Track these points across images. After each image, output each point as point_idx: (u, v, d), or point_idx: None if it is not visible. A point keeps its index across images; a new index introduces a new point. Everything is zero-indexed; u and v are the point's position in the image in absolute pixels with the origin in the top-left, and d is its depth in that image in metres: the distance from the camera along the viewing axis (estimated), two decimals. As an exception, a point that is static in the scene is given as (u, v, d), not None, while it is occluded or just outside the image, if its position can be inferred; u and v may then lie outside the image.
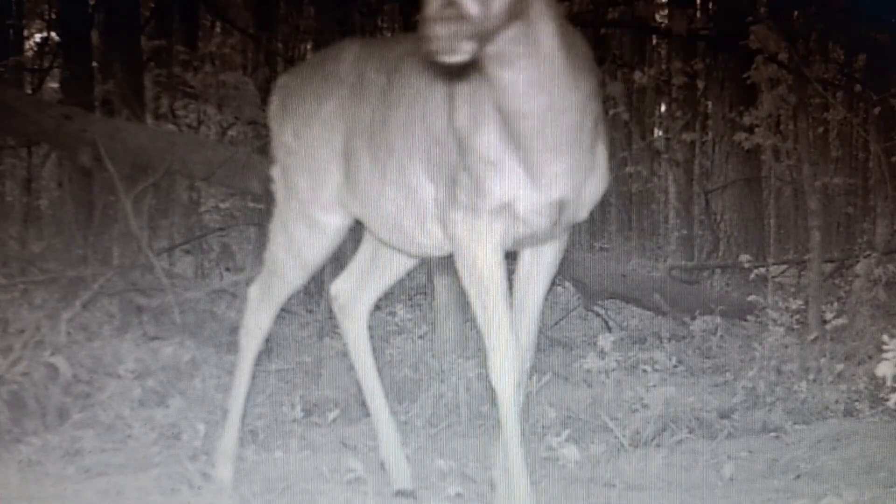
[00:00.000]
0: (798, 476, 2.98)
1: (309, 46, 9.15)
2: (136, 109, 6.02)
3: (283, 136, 2.68)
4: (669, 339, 5.00)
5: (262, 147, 4.96)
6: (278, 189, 2.73)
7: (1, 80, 7.78)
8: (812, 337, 4.33)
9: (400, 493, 2.69)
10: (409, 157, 2.35)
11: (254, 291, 2.79)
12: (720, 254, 7.85)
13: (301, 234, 2.65)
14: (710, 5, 9.15)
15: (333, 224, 2.62)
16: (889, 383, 2.51)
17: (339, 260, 3.05)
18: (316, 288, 5.02)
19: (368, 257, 2.87)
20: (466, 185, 2.18)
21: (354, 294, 2.85)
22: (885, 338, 2.53)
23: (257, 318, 2.77)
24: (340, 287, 2.88)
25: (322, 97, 2.59)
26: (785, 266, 6.94)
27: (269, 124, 2.79)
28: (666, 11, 9.84)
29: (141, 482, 2.77)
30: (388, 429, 2.79)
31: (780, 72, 6.32)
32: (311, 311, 5.02)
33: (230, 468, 2.75)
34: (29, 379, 3.26)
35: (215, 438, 2.84)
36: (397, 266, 2.84)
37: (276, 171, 2.74)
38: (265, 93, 4.73)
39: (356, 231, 2.80)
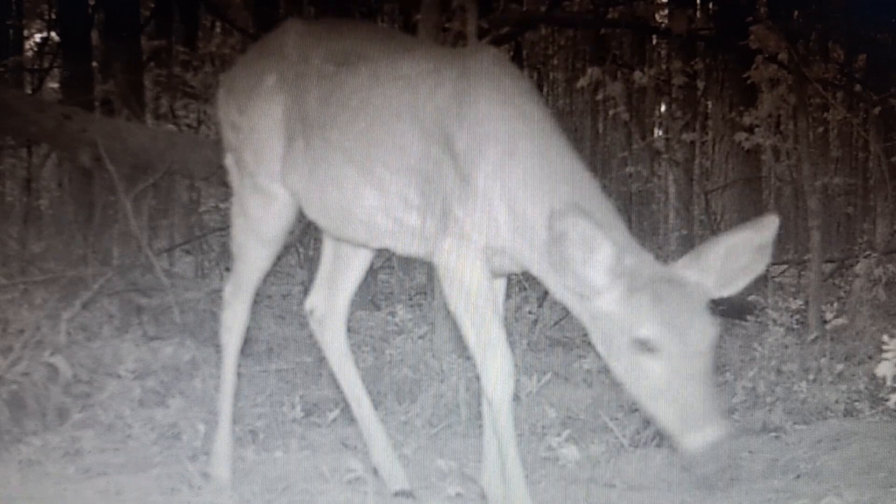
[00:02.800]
0: (798, 476, 2.98)
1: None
2: (136, 109, 6.02)
3: (230, 117, 2.72)
4: (669, 339, 4.98)
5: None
6: (233, 177, 2.76)
7: (1, 80, 7.78)
8: (812, 337, 4.32)
9: (399, 494, 2.69)
10: (362, 170, 2.42)
11: (227, 288, 2.82)
12: (720, 254, 7.82)
13: (256, 209, 2.68)
14: (710, 5, 9.15)
15: (283, 193, 2.63)
16: (889, 383, 2.51)
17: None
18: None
19: (331, 262, 2.90)
20: (459, 217, 2.25)
21: (329, 303, 2.88)
22: (885, 338, 2.53)
23: (233, 312, 2.78)
24: (314, 301, 2.91)
25: (264, 71, 2.64)
26: (785, 266, 6.94)
27: (218, 116, 2.82)
28: (666, 11, 9.84)
29: (141, 482, 2.77)
30: (377, 433, 2.80)
31: (780, 72, 6.32)
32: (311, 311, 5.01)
33: (227, 467, 2.75)
34: (29, 379, 3.26)
35: (215, 438, 2.83)
36: (360, 262, 2.87)
37: (228, 160, 2.77)
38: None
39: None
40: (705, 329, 1.99)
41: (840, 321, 4.32)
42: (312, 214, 2.61)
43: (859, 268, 5.18)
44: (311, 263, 5.12)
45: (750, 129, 6.82)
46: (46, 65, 8.84)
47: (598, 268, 2.01)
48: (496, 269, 2.34)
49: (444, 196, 2.29)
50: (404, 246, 2.45)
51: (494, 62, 2.37)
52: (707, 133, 9.18)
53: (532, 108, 2.31)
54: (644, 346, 1.97)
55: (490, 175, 2.23)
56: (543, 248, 2.11)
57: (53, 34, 9.37)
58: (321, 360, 4.02)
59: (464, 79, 2.32)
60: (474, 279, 2.26)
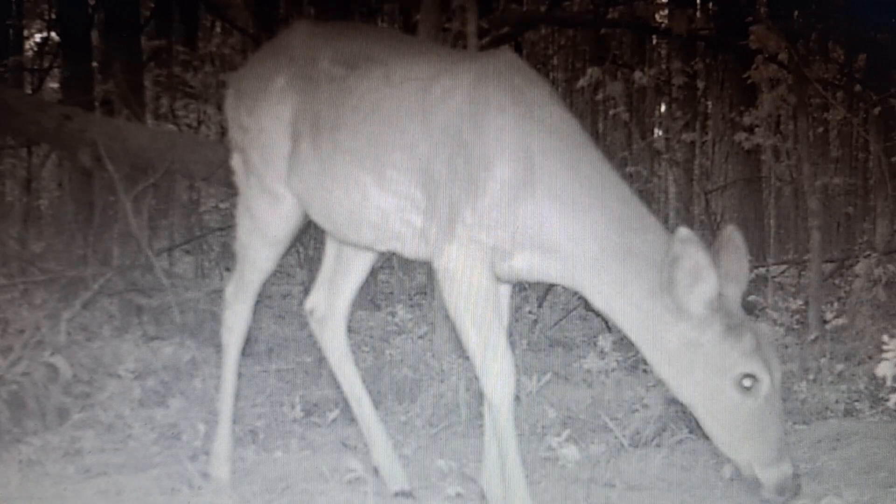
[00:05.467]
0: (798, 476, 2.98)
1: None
2: (136, 109, 6.02)
3: (238, 118, 2.71)
4: (669, 339, 4.98)
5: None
6: (239, 177, 2.75)
7: (1, 80, 7.79)
8: (812, 337, 4.32)
9: (399, 494, 2.69)
10: (372, 172, 2.40)
11: (229, 288, 2.81)
12: (720, 254, 7.82)
13: (263, 210, 2.67)
14: (710, 5, 9.16)
15: (290, 195, 2.63)
16: (889, 383, 2.51)
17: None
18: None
19: (333, 262, 2.89)
20: (469, 222, 2.24)
21: (329, 303, 2.87)
22: (885, 338, 2.53)
23: (235, 312, 2.78)
24: (314, 301, 2.90)
25: (273, 72, 2.63)
26: (785, 266, 6.93)
27: (226, 115, 2.82)
28: (666, 11, 9.84)
29: (141, 482, 2.77)
30: (377, 434, 2.80)
31: (780, 72, 6.32)
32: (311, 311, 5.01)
33: (227, 468, 2.75)
34: (29, 379, 3.26)
35: (215, 438, 2.83)
36: (362, 263, 2.86)
37: (235, 160, 2.77)
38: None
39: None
40: (780, 368, 2.15)
41: (840, 321, 4.32)
42: (317, 218, 2.60)
43: (859, 268, 5.17)
44: (311, 263, 5.12)
45: (750, 129, 6.81)
46: (46, 65, 8.84)
47: (699, 297, 2.09)
48: (500, 276, 2.34)
49: (453, 199, 2.27)
50: (412, 249, 2.43)
51: (513, 68, 2.36)
52: (707, 133, 9.20)
53: (556, 120, 2.30)
54: (744, 383, 2.09)
55: (509, 188, 2.22)
56: (588, 262, 2.21)
57: (53, 34, 9.38)
58: (321, 360, 4.03)
59: (481, 84, 2.30)
60: (475, 282, 2.26)
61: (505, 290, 2.53)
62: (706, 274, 2.08)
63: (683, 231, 2.10)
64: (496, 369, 2.25)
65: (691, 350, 2.13)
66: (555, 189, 2.23)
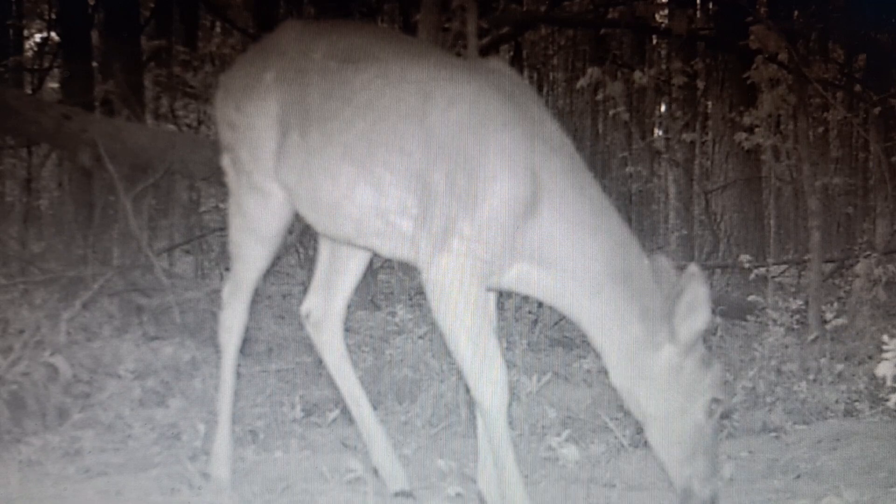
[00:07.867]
0: (798, 476, 2.98)
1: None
2: (136, 109, 6.01)
3: (227, 116, 2.71)
4: (669, 339, 4.97)
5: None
6: (230, 176, 2.75)
7: (1, 80, 7.79)
8: (812, 337, 4.32)
9: (399, 494, 2.69)
10: (361, 168, 2.40)
11: (225, 289, 2.81)
12: (720, 254, 7.86)
13: (253, 208, 2.67)
14: (710, 5, 9.16)
15: (279, 191, 2.62)
16: (889, 383, 2.51)
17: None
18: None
19: (327, 264, 2.88)
20: (466, 235, 2.25)
21: (325, 306, 2.86)
22: (885, 338, 2.53)
23: (232, 312, 2.77)
24: (311, 304, 2.89)
25: (262, 68, 2.63)
26: (785, 266, 6.94)
27: (216, 115, 2.81)
28: (666, 11, 9.85)
29: (141, 482, 2.77)
30: (376, 434, 2.79)
31: (780, 72, 6.32)
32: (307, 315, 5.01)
33: (227, 468, 2.75)
34: (29, 379, 3.26)
35: (215, 438, 2.83)
36: (356, 264, 2.86)
37: (225, 160, 2.76)
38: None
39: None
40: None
41: (840, 321, 4.32)
42: (302, 208, 2.59)
43: (859, 268, 5.18)
44: (311, 263, 5.10)
45: (750, 129, 6.81)
46: (46, 65, 8.84)
47: (691, 327, 2.26)
48: (489, 285, 2.34)
49: (450, 212, 2.26)
50: (391, 248, 2.43)
51: (512, 83, 2.38)
52: (707, 133, 9.19)
53: (558, 139, 2.33)
54: (711, 407, 2.30)
55: (511, 203, 2.24)
56: (588, 281, 2.31)
57: (53, 34, 9.38)
58: (321, 360, 4.02)
59: (484, 97, 2.31)
60: (471, 294, 2.26)
61: (492, 296, 2.54)
62: (702, 308, 2.25)
63: (693, 267, 2.26)
64: (493, 377, 2.26)
65: (672, 372, 2.29)
66: (563, 209, 2.28)
